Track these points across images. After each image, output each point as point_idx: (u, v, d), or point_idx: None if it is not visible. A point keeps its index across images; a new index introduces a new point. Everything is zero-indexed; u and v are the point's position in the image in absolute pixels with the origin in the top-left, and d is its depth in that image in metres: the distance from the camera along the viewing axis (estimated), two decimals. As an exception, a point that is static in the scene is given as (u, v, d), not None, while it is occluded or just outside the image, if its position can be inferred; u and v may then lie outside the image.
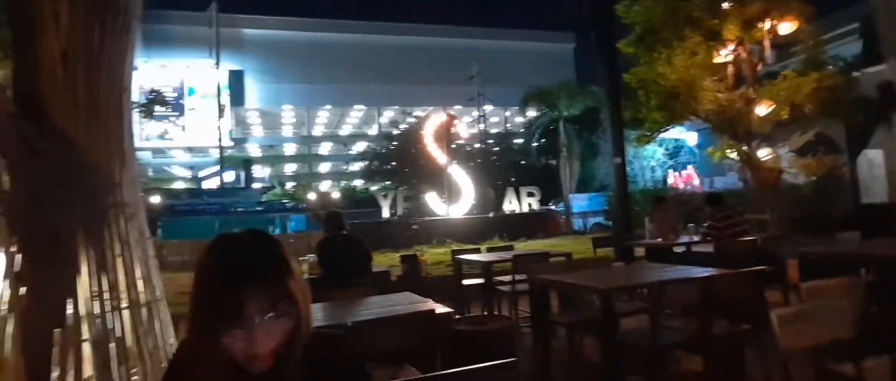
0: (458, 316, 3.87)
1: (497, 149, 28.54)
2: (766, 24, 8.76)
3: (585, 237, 13.81)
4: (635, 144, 12.07)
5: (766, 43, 8.83)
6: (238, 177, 29.04)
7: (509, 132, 33.47)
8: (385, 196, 19.07)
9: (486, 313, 5.22)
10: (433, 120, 19.47)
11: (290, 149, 40.62)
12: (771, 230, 8.43)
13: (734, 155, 9.78)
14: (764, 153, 9.60)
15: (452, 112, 20.74)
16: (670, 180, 21.75)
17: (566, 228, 19.33)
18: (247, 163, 28.89)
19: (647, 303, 4.31)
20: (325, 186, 33.96)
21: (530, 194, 19.77)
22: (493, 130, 34.60)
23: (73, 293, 3.22)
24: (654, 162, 22.44)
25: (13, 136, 2.95)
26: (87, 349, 3.34)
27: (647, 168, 22.30)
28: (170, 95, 26.96)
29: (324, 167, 40.75)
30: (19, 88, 3.45)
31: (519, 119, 32.79)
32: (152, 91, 12.00)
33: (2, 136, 3.00)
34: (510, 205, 19.52)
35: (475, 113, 31.98)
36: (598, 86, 11.45)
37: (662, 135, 13.46)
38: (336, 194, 26.74)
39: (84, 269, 3.33)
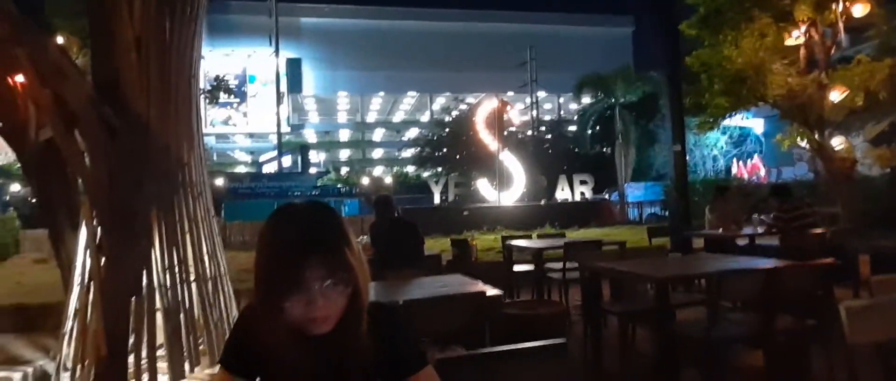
0: (507, 300, 3.87)
1: (549, 136, 28.13)
2: (839, 6, 8.18)
3: (640, 227, 13.45)
4: (696, 131, 11.56)
5: (840, 25, 8.26)
6: (295, 162, 29.96)
7: (562, 119, 32.89)
8: (436, 182, 19.21)
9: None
10: (485, 106, 19.38)
11: (344, 135, 41.52)
12: (842, 224, 7.93)
13: (805, 144, 9.21)
14: (837, 142, 8.99)
15: (505, 98, 20.56)
16: (734, 170, 20.80)
17: (620, 217, 18.85)
18: (303, 148, 29.73)
19: (704, 295, 4.17)
20: (377, 171, 34.56)
21: (583, 183, 19.41)
22: (546, 117, 34.10)
23: (148, 265, 3.45)
24: (717, 150, 21.49)
25: (93, 118, 3.17)
26: (159, 318, 3.59)
27: (708, 157, 21.38)
28: (232, 82, 28.06)
29: (377, 153, 41.47)
30: (97, 73, 3.69)
31: (573, 106, 32.12)
32: (217, 78, 12.50)
33: (83, 118, 3.24)
34: (562, 193, 19.24)
35: (528, 100, 31.58)
36: (658, 71, 11.05)
37: (726, 122, 12.82)
38: (388, 180, 27.17)
39: (157, 243, 3.55)
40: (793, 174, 17.71)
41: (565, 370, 1.69)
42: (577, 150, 25.32)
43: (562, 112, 36.92)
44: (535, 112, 30.33)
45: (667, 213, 18.21)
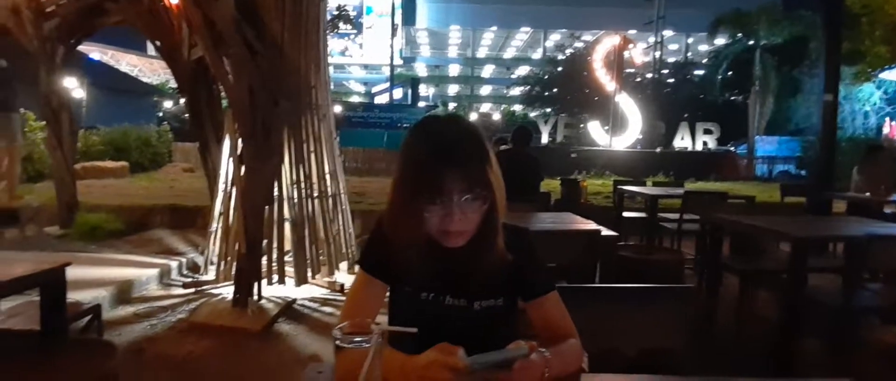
0: (620, 243, 3.76)
1: (672, 80, 26.01)
2: None
3: (769, 185, 12.28)
4: (848, 82, 10.06)
5: None
6: (405, 95, 30.53)
7: (689, 62, 30.06)
8: (545, 122, 18.70)
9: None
10: (604, 44, 18.26)
11: (454, 70, 41.44)
12: None
13: None
14: None
15: (627, 36, 19.17)
16: (886, 130, 18.08)
17: (746, 172, 17.28)
18: (414, 82, 30.12)
19: (840, 262, 3.77)
20: (485, 108, 34.37)
21: (707, 132, 17.90)
22: (670, 59, 31.44)
23: (279, 179, 3.76)
24: (869, 106, 18.70)
25: (237, 37, 3.40)
26: (287, 227, 3.94)
27: (859, 113, 18.69)
28: (351, 13, 28.75)
29: (485, 90, 41.08)
30: (240, -4, 3.92)
31: (702, 47, 29.22)
32: (338, 8, 12.83)
33: (228, 38, 3.48)
34: (682, 142, 17.95)
35: (651, 39, 29.19)
36: (810, 10, 9.60)
37: (883, 75, 10.99)
38: (496, 117, 26.94)
39: (286, 159, 3.85)
40: (952, 141, 15.16)
41: (681, 320, 1.61)
42: (702, 96, 23.20)
43: (689, 54, 33.79)
44: (658, 53, 28.04)
45: (802, 172, 16.41)
